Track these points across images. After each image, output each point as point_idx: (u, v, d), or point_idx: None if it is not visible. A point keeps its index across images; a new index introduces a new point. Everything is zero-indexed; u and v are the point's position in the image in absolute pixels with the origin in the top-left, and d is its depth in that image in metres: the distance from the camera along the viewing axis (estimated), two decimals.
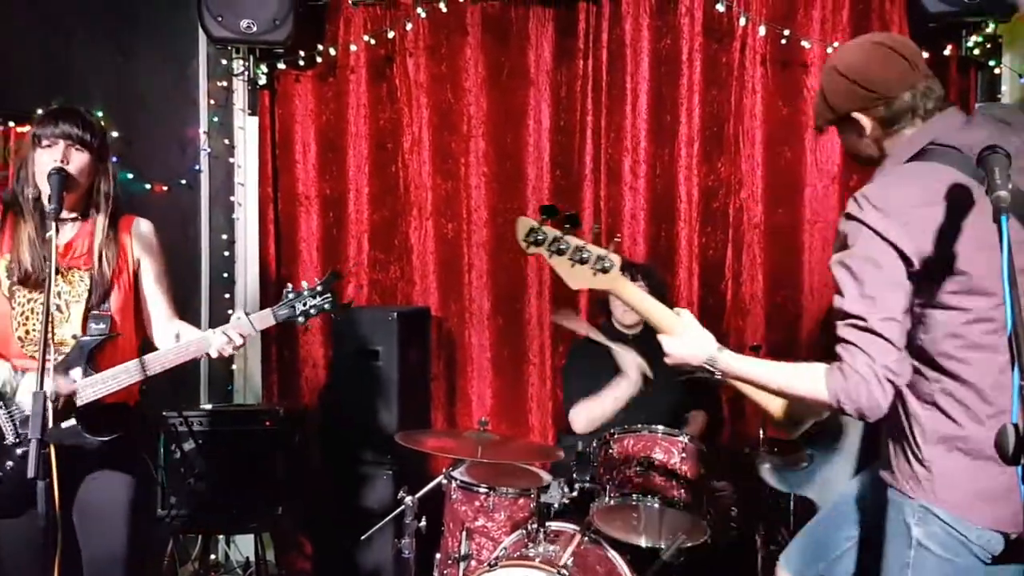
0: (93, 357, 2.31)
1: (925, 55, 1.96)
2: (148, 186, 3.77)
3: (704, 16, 4.03)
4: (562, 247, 1.97)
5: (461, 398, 4.29)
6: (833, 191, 4.03)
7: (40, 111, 2.43)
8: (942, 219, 1.73)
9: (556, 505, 2.89)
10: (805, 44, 3.93)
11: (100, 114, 2.77)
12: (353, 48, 4.17)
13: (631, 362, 3.27)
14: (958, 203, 1.72)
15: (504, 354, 4.24)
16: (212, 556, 4.07)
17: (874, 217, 1.75)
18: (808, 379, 1.80)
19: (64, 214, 2.30)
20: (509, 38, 4.16)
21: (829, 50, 3.86)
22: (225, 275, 4.28)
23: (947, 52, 3.82)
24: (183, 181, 4.10)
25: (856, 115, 1.91)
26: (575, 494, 2.94)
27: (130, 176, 3.49)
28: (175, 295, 2.60)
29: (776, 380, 1.87)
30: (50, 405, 1.96)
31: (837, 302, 1.79)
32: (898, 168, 1.85)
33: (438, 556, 3.07)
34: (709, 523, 2.83)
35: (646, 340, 3.14)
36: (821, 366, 1.79)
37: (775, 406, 2.08)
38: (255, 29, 3.87)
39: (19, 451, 2.27)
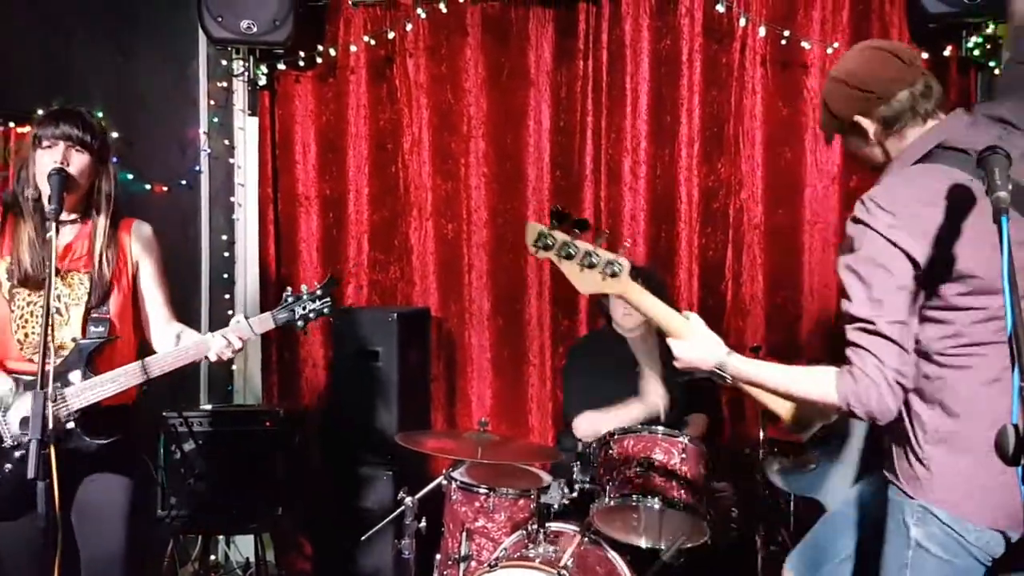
0: (92, 360, 2.32)
1: (925, 56, 1.96)
2: (148, 187, 3.77)
3: (704, 17, 4.03)
4: (571, 251, 1.97)
5: (461, 399, 4.29)
6: (833, 192, 4.03)
7: (40, 112, 2.44)
8: (948, 221, 1.73)
9: (556, 506, 2.88)
10: (805, 45, 3.93)
11: (100, 115, 2.76)
12: (353, 49, 4.16)
13: (656, 392, 3.18)
14: (963, 205, 1.72)
15: (504, 355, 4.24)
16: (212, 557, 4.06)
17: (881, 220, 1.75)
18: (818, 382, 1.80)
19: (64, 215, 2.30)
20: (509, 39, 4.16)
21: (829, 51, 3.87)
22: (225, 276, 4.28)
23: (947, 53, 3.81)
24: (183, 182, 4.10)
25: (858, 119, 1.91)
26: (575, 495, 2.93)
27: (130, 177, 3.49)
28: (174, 297, 2.60)
29: (785, 383, 1.87)
30: (50, 406, 1.96)
31: (845, 306, 1.79)
32: (905, 171, 1.85)
33: (438, 557, 3.07)
34: (709, 524, 2.83)
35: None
36: (831, 369, 1.79)
37: (783, 409, 2.08)
38: (255, 30, 3.87)
39: (17, 454, 2.27)
